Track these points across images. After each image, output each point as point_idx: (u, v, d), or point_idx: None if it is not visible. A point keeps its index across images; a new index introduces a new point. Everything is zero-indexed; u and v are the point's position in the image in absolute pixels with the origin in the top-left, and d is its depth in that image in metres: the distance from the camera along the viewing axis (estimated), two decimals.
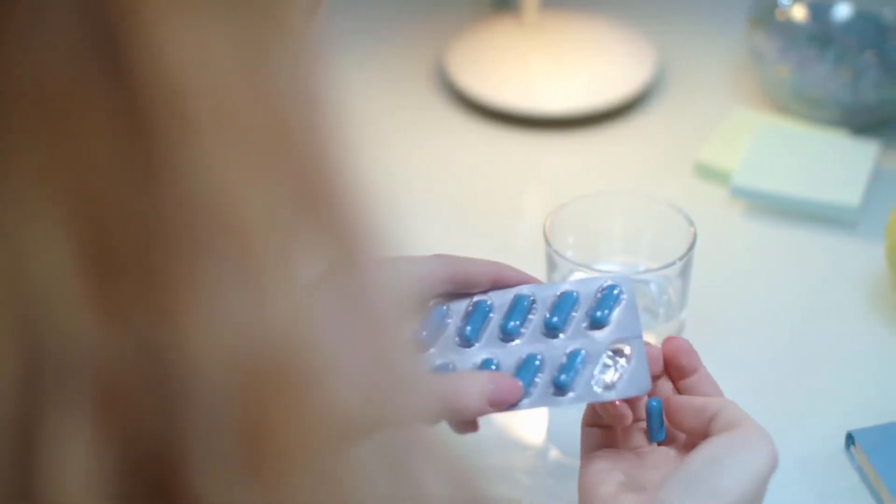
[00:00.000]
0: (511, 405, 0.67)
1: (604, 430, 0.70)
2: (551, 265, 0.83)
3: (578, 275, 0.83)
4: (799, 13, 1.07)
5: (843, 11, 1.07)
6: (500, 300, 0.71)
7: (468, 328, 0.70)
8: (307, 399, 0.36)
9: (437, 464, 0.42)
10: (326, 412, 0.36)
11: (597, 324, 0.70)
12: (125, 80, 0.33)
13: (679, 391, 0.70)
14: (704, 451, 0.65)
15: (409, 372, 0.40)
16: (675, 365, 0.70)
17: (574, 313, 0.70)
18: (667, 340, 0.71)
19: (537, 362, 0.68)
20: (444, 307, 0.71)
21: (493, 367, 0.69)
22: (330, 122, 0.37)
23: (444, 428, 0.42)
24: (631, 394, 0.67)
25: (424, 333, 0.70)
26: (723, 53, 1.17)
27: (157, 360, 0.34)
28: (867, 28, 1.06)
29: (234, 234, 0.34)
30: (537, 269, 0.84)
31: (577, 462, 0.69)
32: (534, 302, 0.71)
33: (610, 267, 0.87)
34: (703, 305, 0.90)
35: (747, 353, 0.89)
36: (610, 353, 0.69)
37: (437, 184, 1.06)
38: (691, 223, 0.84)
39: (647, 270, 0.85)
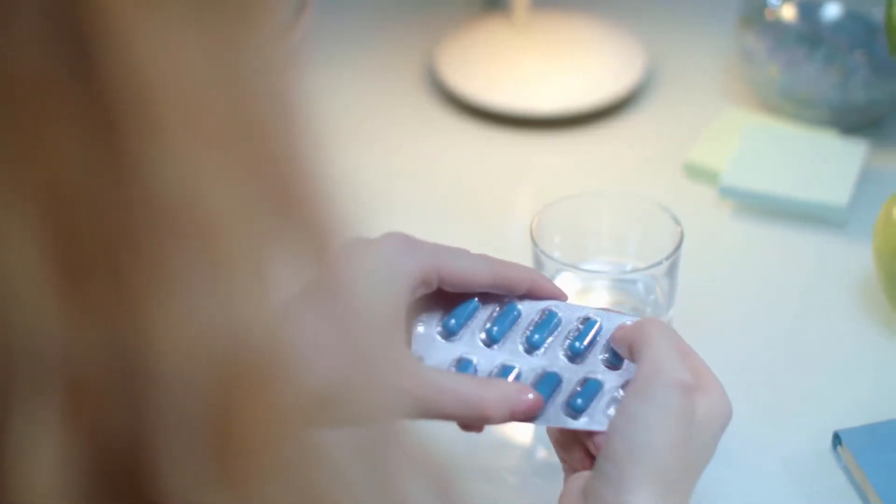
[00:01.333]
0: (529, 419, 0.68)
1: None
2: (538, 265, 0.83)
3: (566, 275, 0.83)
4: (788, 13, 1.07)
5: (832, 11, 1.07)
6: (528, 309, 0.72)
7: (495, 328, 0.71)
8: (277, 396, 0.36)
9: (413, 464, 0.42)
10: (296, 410, 0.36)
11: (614, 364, 0.71)
12: (93, 78, 0.33)
13: None
14: (616, 418, 0.64)
15: (381, 369, 0.40)
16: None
17: (595, 344, 0.71)
18: None
19: (558, 379, 0.69)
20: (477, 302, 0.72)
21: (514, 376, 0.70)
22: (301, 122, 0.37)
23: (420, 428, 0.42)
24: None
25: (453, 322, 0.71)
26: (713, 53, 1.17)
27: (125, 357, 0.34)
28: (857, 28, 1.06)
29: (202, 232, 0.34)
30: None
31: None
32: (560, 321, 0.72)
33: (597, 266, 0.87)
34: (691, 305, 0.90)
35: (734, 352, 0.89)
36: (622, 391, 0.69)
37: (427, 183, 1.06)
38: (678, 223, 0.84)
39: (634, 270, 0.85)
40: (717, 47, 1.17)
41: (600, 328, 0.72)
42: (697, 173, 1.04)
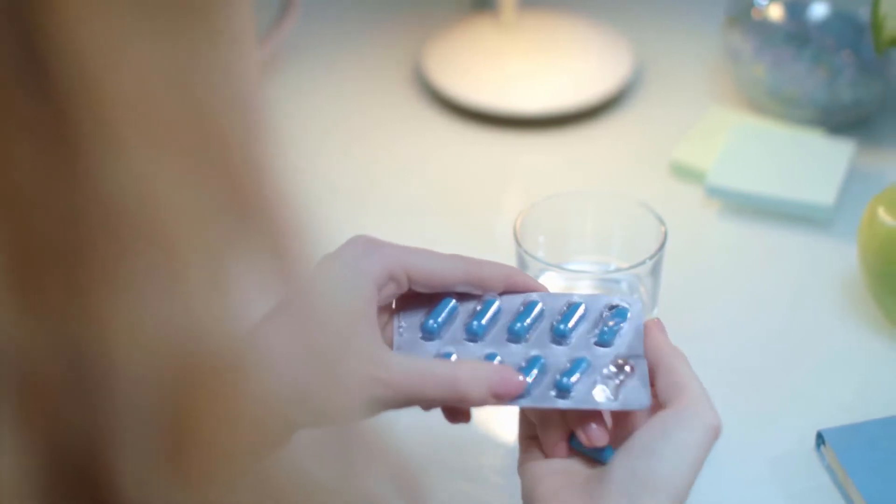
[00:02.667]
0: (513, 400, 0.67)
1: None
2: (522, 265, 0.83)
3: (549, 275, 0.83)
4: (775, 12, 1.07)
5: (819, 11, 1.07)
6: (509, 304, 0.72)
7: (475, 323, 0.71)
8: (235, 396, 0.36)
9: (379, 464, 0.41)
10: (256, 410, 0.36)
11: (603, 340, 0.70)
12: (47, 82, 0.33)
13: None
14: (641, 438, 0.64)
15: (347, 365, 0.40)
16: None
17: (581, 325, 0.71)
18: None
19: (542, 362, 0.69)
20: (454, 302, 0.72)
21: (496, 362, 0.69)
22: (261, 128, 0.37)
23: (386, 429, 0.42)
24: (631, 407, 0.67)
25: (431, 322, 0.71)
26: (700, 53, 1.17)
27: (81, 359, 0.34)
28: (844, 27, 1.06)
29: (158, 236, 0.34)
30: None
31: None
32: (542, 310, 0.71)
33: (581, 266, 0.87)
34: (677, 304, 0.90)
35: (719, 351, 0.89)
36: (613, 368, 0.68)
37: (414, 183, 1.06)
38: (662, 222, 0.83)
39: (618, 270, 0.85)
40: (704, 47, 1.17)
41: (586, 310, 0.71)
42: (684, 173, 1.04)
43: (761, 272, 0.96)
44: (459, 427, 0.84)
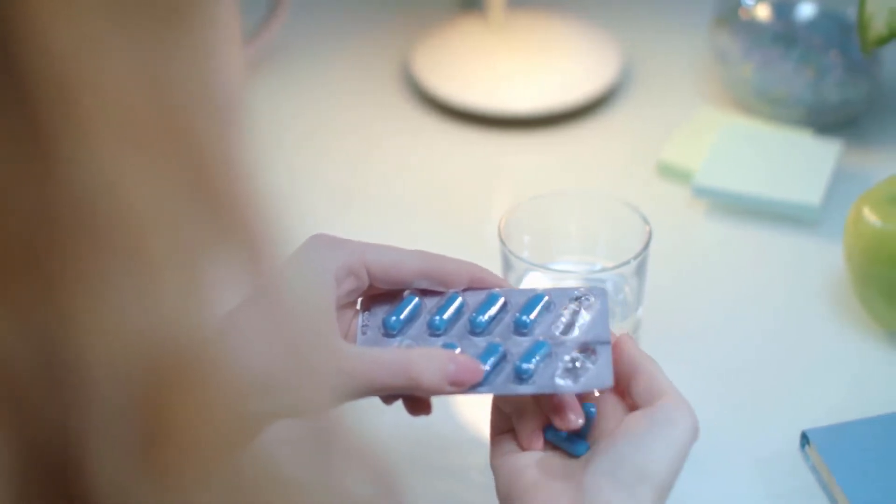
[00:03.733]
0: (470, 388, 0.66)
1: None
2: (507, 265, 0.83)
3: (534, 275, 0.83)
4: (763, 12, 1.07)
5: (807, 11, 1.07)
6: (472, 299, 0.71)
7: (437, 318, 0.70)
8: (206, 392, 0.36)
9: (353, 460, 0.42)
10: (227, 404, 0.36)
11: (567, 329, 0.70)
12: (20, 82, 0.33)
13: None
14: (627, 430, 0.65)
15: (313, 357, 0.40)
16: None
17: (545, 316, 0.70)
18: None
19: (501, 349, 0.68)
20: (417, 299, 0.71)
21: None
22: (230, 122, 0.37)
23: (361, 425, 0.42)
24: (592, 387, 0.66)
25: (393, 319, 0.70)
26: (688, 53, 1.17)
27: (54, 357, 0.34)
28: (831, 27, 1.06)
29: (129, 233, 0.34)
30: (499, 269, 0.84)
31: None
32: (506, 303, 0.71)
33: (566, 266, 0.87)
34: (663, 304, 0.90)
35: (705, 351, 0.89)
36: (576, 354, 0.68)
37: (402, 183, 1.06)
38: (646, 222, 0.83)
39: (603, 269, 0.85)
40: (692, 47, 1.17)
41: (550, 302, 0.71)
42: (671, 173, 1.04)
43: (748, 272, 0.96)
44: (444, 426, 0.84)
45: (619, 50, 1.16)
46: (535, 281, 0.84)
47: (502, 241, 0.83)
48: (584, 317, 0.70)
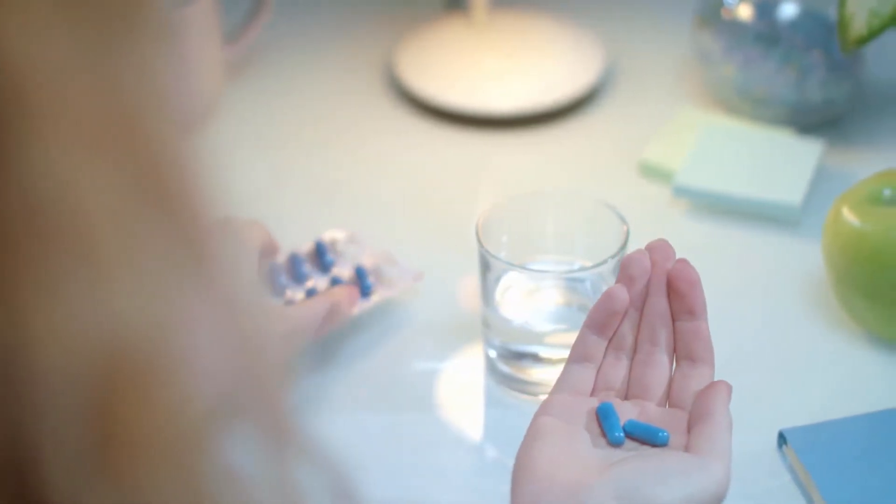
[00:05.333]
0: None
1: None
2: (484, 265, 0.83)
3: (512, 275, 0.83)
4: (745, 12, 1.07)
5: (789, 10, 1.07)
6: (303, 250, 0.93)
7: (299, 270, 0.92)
8: (160, 392, 0.36)
9: (310, 463, 0.41)
10: (182, 405, 0.36)
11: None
12: None
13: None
14: (662, 461, 0.65)
15: (269, 359, 0.40)
16: (674, 290, 0.72)
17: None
18: (670, 257, 0.74)
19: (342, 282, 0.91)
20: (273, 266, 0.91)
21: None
22: (186, 125, 0.37)
23: (317, 430, 0.42)
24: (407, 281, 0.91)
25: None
26: (670, 53, 1.17)
27: (4, 357, 0.34)
28: (814, 27, 1.06)
29: (78, 231, 0.34)
30: (477, 268, 0.84)
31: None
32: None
33: (544, 266, 0.87)
34: None
35: None
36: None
37: (385, 183, 1.06)
38: (624, 221, 0.83)
39: (581, 269, 0.85)
40: (674, 47, 1.17)
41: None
42: (652, 172, 1.04)
43: (728, 272, 0.96)
44: (421, 427, 0.84)
45: (602, 50, 1.16)
46: (512, 281, 0.85)
47: (479, 242, 0.83)
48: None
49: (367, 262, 0.92)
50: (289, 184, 1.06)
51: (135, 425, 0.36)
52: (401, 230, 1.01)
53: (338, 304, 0.86)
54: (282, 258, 0.92)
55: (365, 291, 0.90)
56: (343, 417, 0.85)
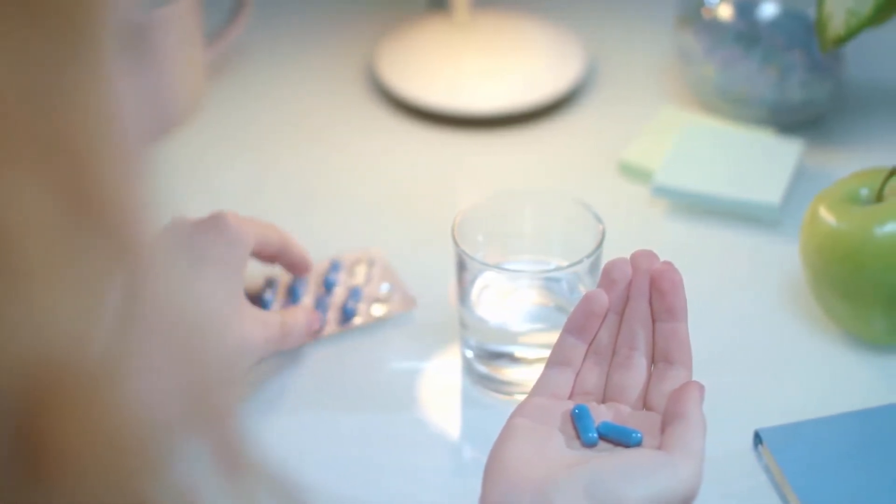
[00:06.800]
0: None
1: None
2: (461, 264, 0.83)
3: (488, 274, 0.83)
4: (725, 12, 1.07)
5: (769, 10, 1.07)
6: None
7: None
8: (93, 404, 0.35)
9: (259, 477, 0.41)
10: (118, 419, 0.36)
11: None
12: None
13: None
14: (628, 456, 0.66)
15: (214, 373, 0.40)
16: (656, 288, 0.72)
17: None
18: (655, 263, 0.74)
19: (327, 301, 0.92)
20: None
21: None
22: (112, 134, 0.37)
23: (263, 441, 0.41)
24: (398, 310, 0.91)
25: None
26: (651, 52, 1.17)
27: None
28: (794, 27, 1.06)
29: (9, 248, 0.34)
30: (454, 268, 0.84)
31: None
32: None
33: (520, 266, 0.87)
34: None
35: None
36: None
37: (366, 183, 1.05)
38: (600, 221, 0.83)
39: (557, 269, 0.85)
40: (656, 47, 1.17)
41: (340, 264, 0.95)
42: (632, 172, 1.04)
43: (707, 272, 0.95)
44: (398, 427, 0.84)
45: (584, 50, 1.16)
46: (488, 280, 0.84)
47: (455, 242, 0.83)
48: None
49: (367, 285, 0.94)
50: (269, 183, 1.05)
51: (68, 441, 0.35)
52: (380, 229, 1.01)
53: (288, 325, 0.85)
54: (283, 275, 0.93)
55: (347, 315, 0.91)
56: (319, 417, 0.85)
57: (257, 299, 0.91)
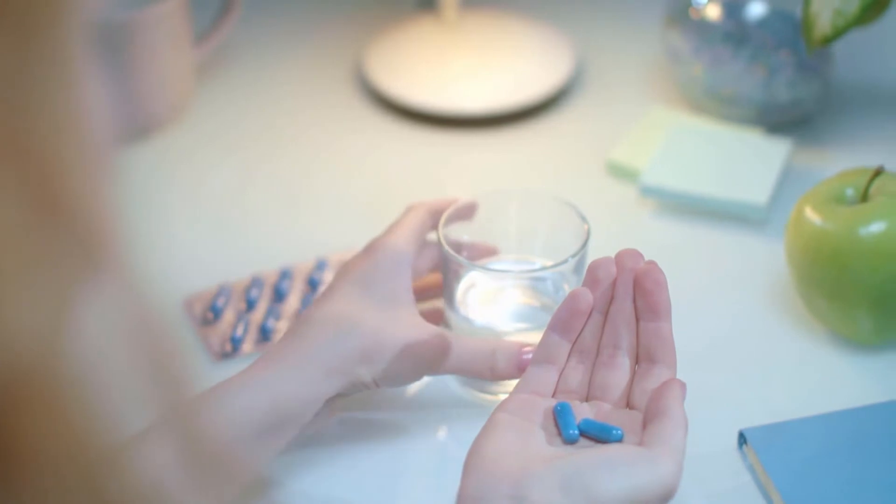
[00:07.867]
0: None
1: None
2: (446, 264, 0.83)
3: (473, 274, 0.83)
4: (713, 12, 1.07)
5: (757, 10, 1.07)
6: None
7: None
8: (60, 407, 0.35)
9: (223, 474, 0.41)
10: (84, 419, 0.36)
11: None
12: None
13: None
14: (606, 451, 0.66)
15: (178, 373, 0.40)
16: (640, 287, 0.73)
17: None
18: (639, 263, 0.74)
19: None
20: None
21: None
22: (78, 135, 0.36)
23: (230, 441, 0.41)
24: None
25: None
26: (640, 52, 1.17)
27: None
28: (782, 26, 1.06)
29: None
30: (439, 267, 0.84)
31: None
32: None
33: (505, 266, 0.87)
34: None
35: None
36: None
37: (355, 183, 1.05)
38: (585, 220, 0.83)
39: (542, 268, 0.85)
40: (644, 46, 1.17)
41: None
42: (620, 172, 1.04)
43: (694, 271, 0.95)
44: (383, 426, 0.84)
45: (572, 49, 1.16)
46: (474, 280, 0.84)
47: (441, 241, 0.82)
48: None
49: None
50: (257, 182, 1.05)
51: (33, 440, 0.35)
52: (368, 228, 1.01)
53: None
54: (272, 275, 0.94)
55: None
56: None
57: (242, 298, 0.92)
